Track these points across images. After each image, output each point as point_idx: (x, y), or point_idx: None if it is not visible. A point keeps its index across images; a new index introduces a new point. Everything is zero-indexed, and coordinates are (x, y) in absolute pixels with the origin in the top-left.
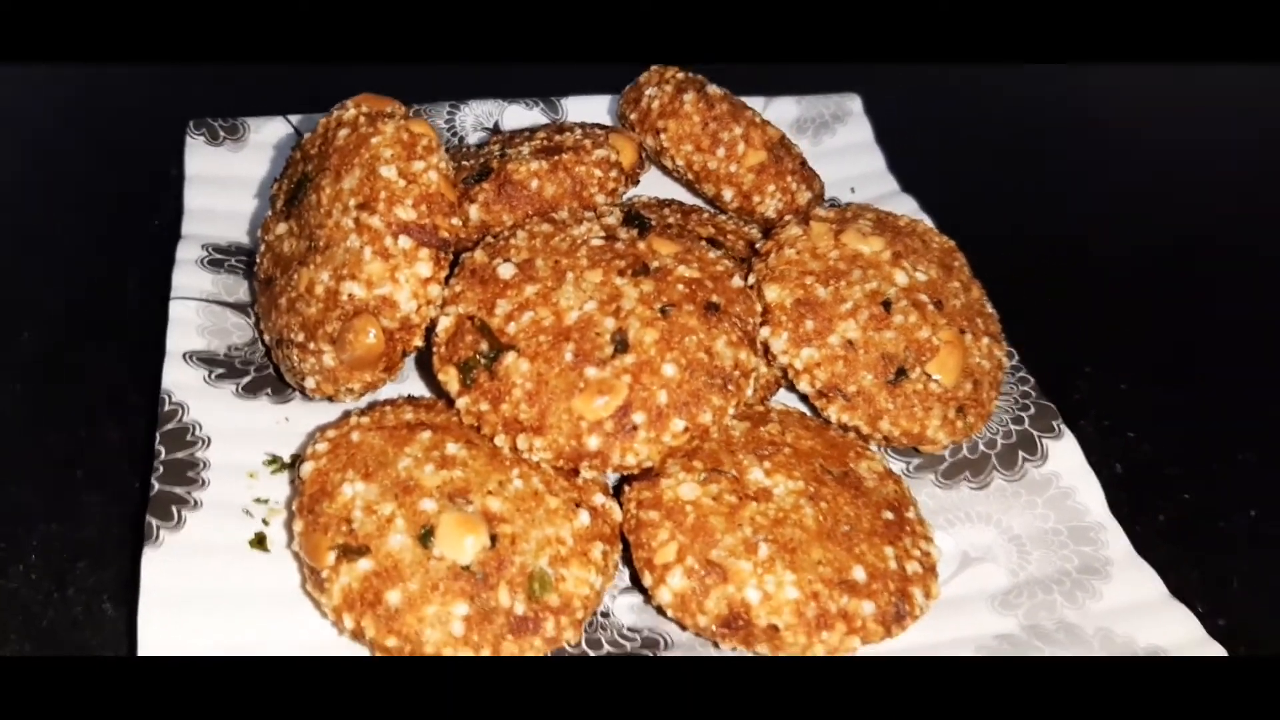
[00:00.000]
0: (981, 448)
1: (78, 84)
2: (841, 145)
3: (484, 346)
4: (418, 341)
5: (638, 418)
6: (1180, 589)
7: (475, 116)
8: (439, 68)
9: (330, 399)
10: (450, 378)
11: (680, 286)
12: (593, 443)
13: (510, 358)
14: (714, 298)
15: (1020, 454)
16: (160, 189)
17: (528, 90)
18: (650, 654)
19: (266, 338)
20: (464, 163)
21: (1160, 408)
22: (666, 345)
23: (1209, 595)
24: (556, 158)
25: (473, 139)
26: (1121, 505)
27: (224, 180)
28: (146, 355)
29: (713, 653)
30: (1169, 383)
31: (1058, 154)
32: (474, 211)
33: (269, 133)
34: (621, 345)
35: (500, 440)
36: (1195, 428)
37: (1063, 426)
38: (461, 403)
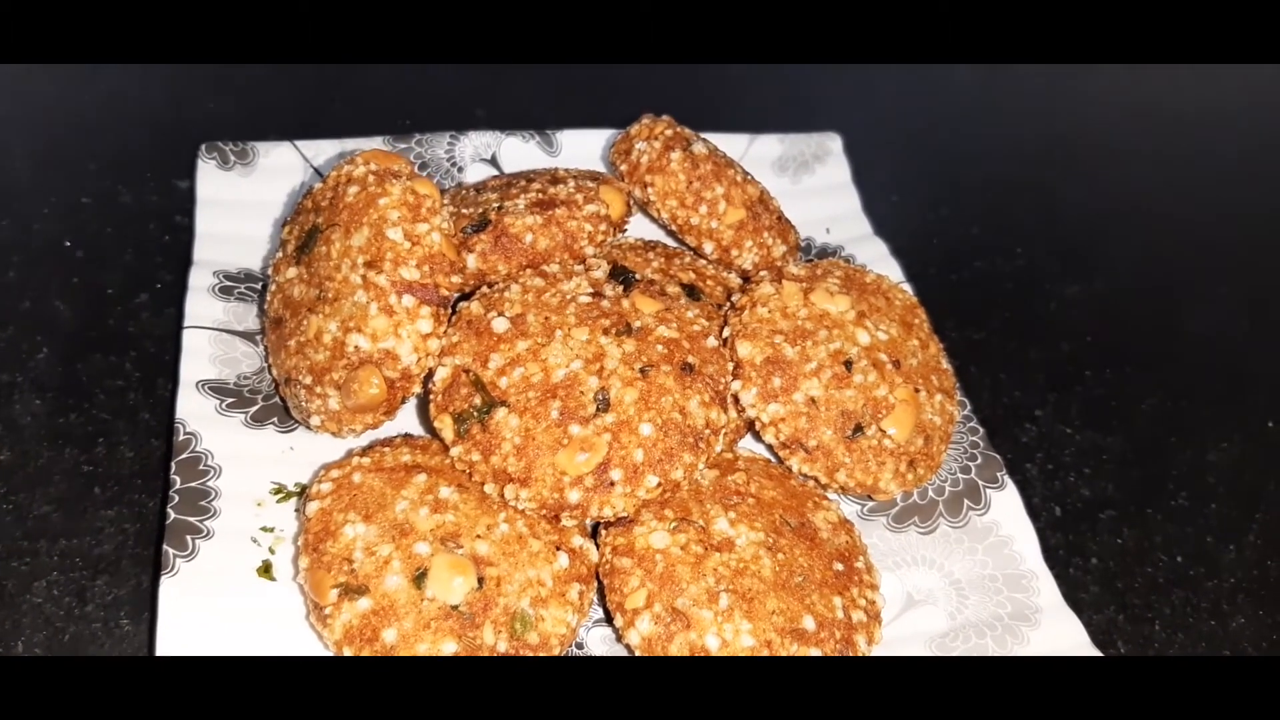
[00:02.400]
0: (930, 495)
1: (84, 90)
2: (820, 185)
3: (477, 400)
4: (416, 389)
5: (615, 474)
6: (1105, 629)
7: (474, 147)
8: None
9: (334, 435)
10: (445, 426)
11: (659, 347)
12: (573, 496)
13: (501, 413)
14: (690, 358)
15: (965, 502)
16: (167, 200)
17: (524, 110)
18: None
19: (275, 372)
20: (463, 210)
21: (1104, 453)
22: (645, 405)
23: (1131, 636)
24: (550, 212)
25: (471, 170)
26: (1058, 548)
27: (233, 205)
28: (156, 372)
29: None
30: (1114, 429)
31: (1028, 188)
32: (471, 260)
33: (277, 157)
34: (604, 404)
35: (489, 488)
36: (1135, 473)
37: (1006, 478)
38: (455, 451)
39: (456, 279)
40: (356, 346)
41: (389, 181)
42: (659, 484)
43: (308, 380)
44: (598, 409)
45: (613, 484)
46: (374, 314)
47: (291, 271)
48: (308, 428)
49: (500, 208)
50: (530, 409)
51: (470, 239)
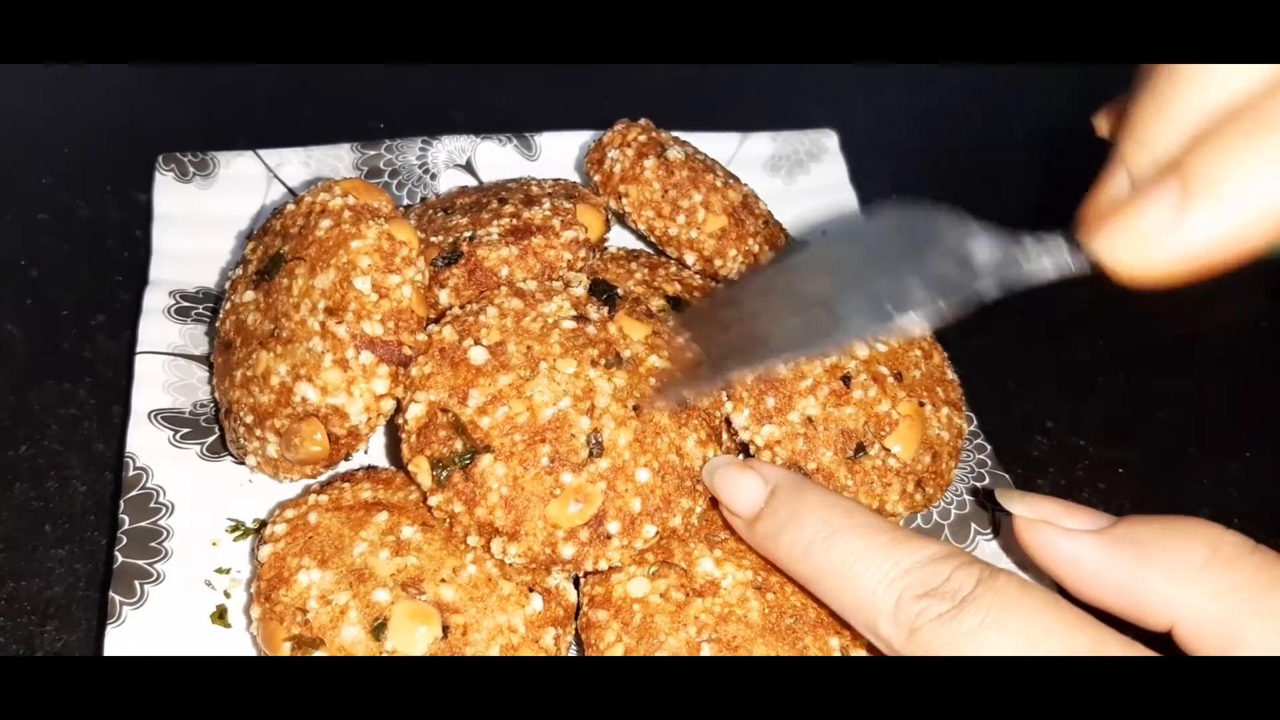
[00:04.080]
0: (935, 517)
1: (39, 99)
2: (815, 184)
3: (458, 445)
4: (363, 447)
5: (612, 526)
6: None
7: (448, 153)
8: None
9: (269, 477)
10: (422, 471)
11: (652, 380)
12: (567, 551)
13: (486, 460)
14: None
15: (973, 525)
16: (127, 213)
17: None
18: None
19: (217, 396)
20: (432, 239)
21: (1119, 467)
22: (640, 448)
23: None
24: (526, 242)
25: (445, 176)
26: None
27: (192, 219)
28: (112, 399)
29: None
30: (1130, 441)
31: (1033, 186)
32: (444, 296)
33: (239, 167)
34: (597, 448)
35: (473, 540)
36: (1154, 488)
37: None
38: (434, 500)
39: (422, 337)
40: (304, 398)
41: (365, 222)
42: (657, 533)
43: (249, 420)
44: (590, 453)
45: (609, 536)
46: (327, 366)
47: (249, 295)
48: (241, 463)
49: (473, 237)
50: (518, 454)
51: (441, 273)
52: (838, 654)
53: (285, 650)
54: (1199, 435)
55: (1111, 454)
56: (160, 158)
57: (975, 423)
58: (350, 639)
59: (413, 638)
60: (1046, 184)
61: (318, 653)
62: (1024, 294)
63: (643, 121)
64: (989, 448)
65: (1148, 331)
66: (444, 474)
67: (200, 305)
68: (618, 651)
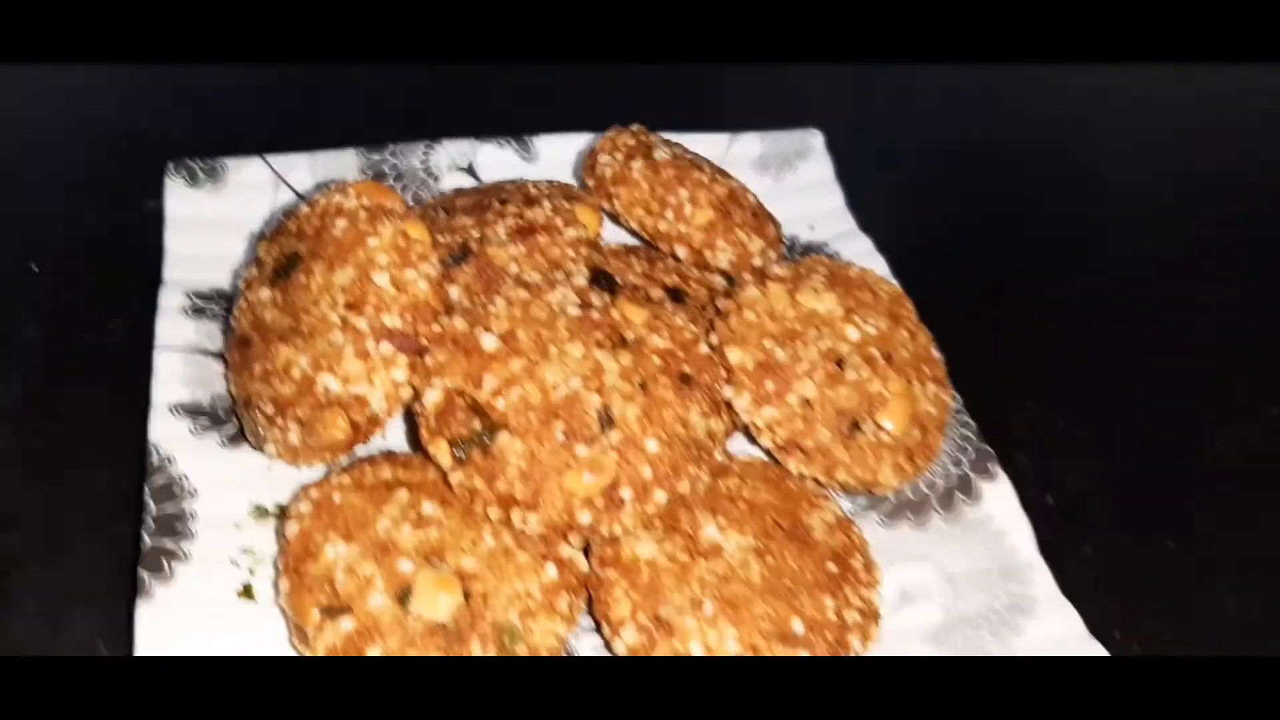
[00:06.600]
0: (923, 489)
1: (44, 105)
2: (803, 183)
3: (476, 425)
4: (381, 434)
5: (625, 493)
6: (1101, 618)
7: (450, 156)
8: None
9: (288, 464)
10: (441, 451)
11: (655, 359)
12: (584, 518)
13: (504, 437)
14: (685, 368)
15: (958, 496)
16: (135, 217)
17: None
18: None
19: (234, 390)
20: (439, 238)
21: (1096, 441)
22: (648, 420)
23: (1127, 625)
24: (532, 240)
25: (447, 179)
26: (1051, 538)
27: (203, 222)
28: (129, 396)
29: None
30: (1107, 419)
31: (1013, 179)
32: (454, 292)
33: (248, 173)
34: (607, 421)
35: (493, 513)
36: (1129, 461)
37: (998, 470)
38: (455, 478)
39: (437, 328)
40: (326, 387)
41: (380, 221)
42: (667, 498)
43: (269, 410)
44: (602, 427)
45: (623, 502)
46: (349, 356)
47: (265, 293)
48: (260, 451)
49: (481, 237)
50: (533, 430)
51: (452, 270)
52: (830, 613)
53: (315, 618)
54: (1174, 414)
55: (1089, 430)
56: (170, 164)
57: (960, 402)
58: (377, 606)
59: (435, 603)
60: (1030, 180)
61: (345, 619)
62: (1004, 287)
63: (634, 127)
64: (973, 424)
65: (1124, 323)
66: (463, 453)
67: (214, 304)
68: (625, 608)
